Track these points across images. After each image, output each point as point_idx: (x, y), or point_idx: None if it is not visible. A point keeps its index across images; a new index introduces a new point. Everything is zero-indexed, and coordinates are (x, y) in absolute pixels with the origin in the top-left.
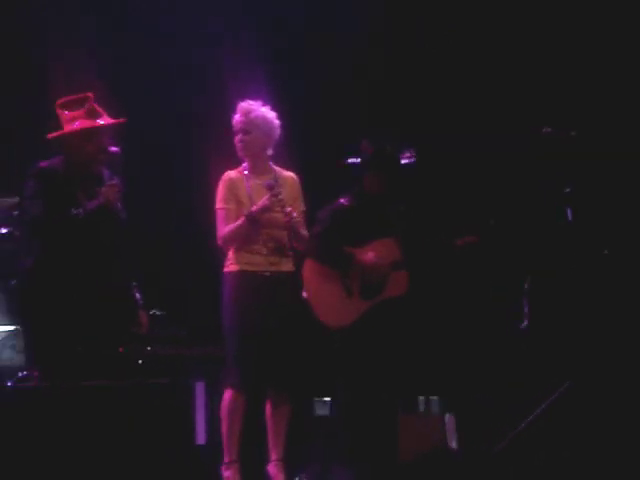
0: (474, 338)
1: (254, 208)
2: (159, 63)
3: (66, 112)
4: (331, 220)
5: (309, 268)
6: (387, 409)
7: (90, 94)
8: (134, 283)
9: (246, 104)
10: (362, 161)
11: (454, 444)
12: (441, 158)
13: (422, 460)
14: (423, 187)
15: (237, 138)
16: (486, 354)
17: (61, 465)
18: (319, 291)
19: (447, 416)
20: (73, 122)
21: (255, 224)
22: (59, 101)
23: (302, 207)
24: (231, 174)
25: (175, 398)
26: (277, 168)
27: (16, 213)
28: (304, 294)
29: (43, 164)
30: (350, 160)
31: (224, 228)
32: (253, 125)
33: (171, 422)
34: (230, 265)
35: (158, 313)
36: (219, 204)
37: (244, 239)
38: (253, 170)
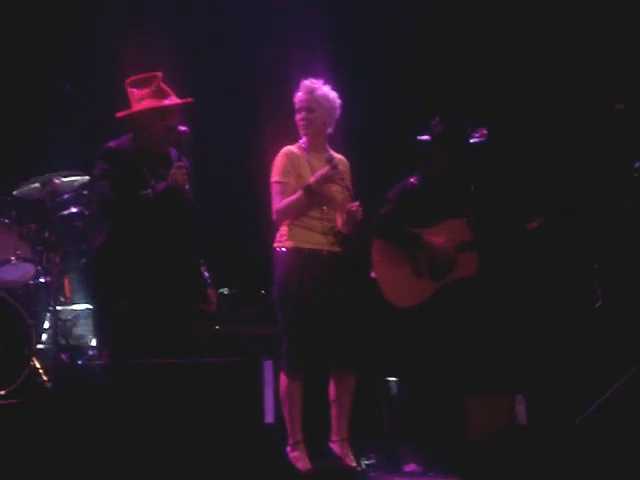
0: (544, 319)
1: (312, 179)
2: (224, 43)
3: (134, 91)
4: (400, 200)
5: (378, 248)
6: (454, 390)
7: (158, 73)
8: (202, 262)
9: (310, 82)
10: (431, 139)
11: (524, 422)
12: (513, 137)
13: (491, 438)
14: (495, 167)
15: (300, 115)
16: (557, 335)
17: (130, 442)
18: (387, 271)
19: (518, 396)
20: (141, 101)
21: (313, 196)
22: (128, 80)
23: (351, 191)
24: (292, 148)
25: (244, 377)
26: (331, 149)
27: (86, 192)
28: (372, 274)
29: (111, 144)
30: (420, 137)
31: (280, 202)
32: (317, 103)
33: (240, 401)
34: (284, 241)
35: (227, 292)
36: (276, 177)
37: (299, 213)
38: (312, 147)
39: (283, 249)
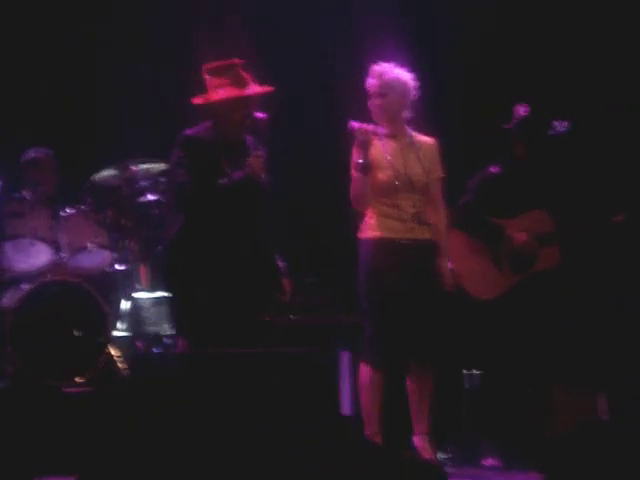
0: (627, 313)
1: (358, 158)
2: (302, 30)
3: (212, 78)
4: (480, 189)
5: (456, 239)
6: (535, 384)
7: (238, 60)
8: (277, 251)
9: (379, 67)
10: (513, 127)
11: (606, 417)
12: (600, 129)
13: (573, 434)
14: (580, 158)
15: (372, 102)
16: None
17: (205, 432)
18: (467, 262)
19: (600, 391)
20: (218, 89)
21: (368, 170)
22: (206, 66)
23: (440, 173)
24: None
25: (321, 367)
26: (414, 132)
27: (163, 180)
28: (449, 265)
29: (189, 132)
30: (506, 125)
31: (352, 185)
32: (388, 87)
33: (316, 392)
34: (367, 231)
35: (309, 280)
36: (351, 168)
37: (364, 195)
38: (390, 133)
39: (365, 238)
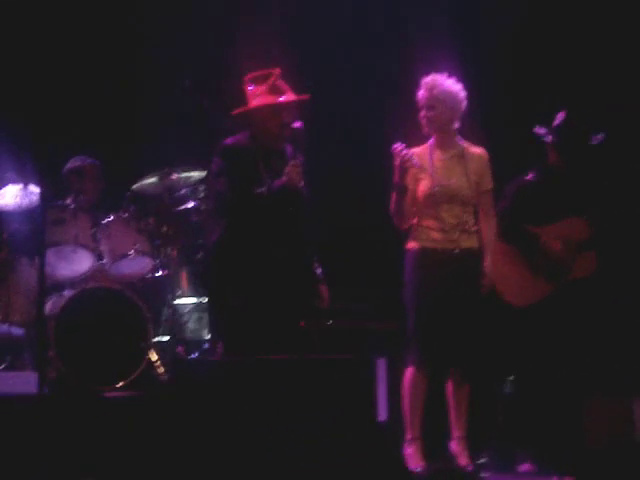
0: None
1: (396, 179)
2: (348, 40)
3: (252, 87)
4: (517, 197)
5: (493, 246)
6: (572, 391)
7: (276, 70)
8: (316, 258)
9: (430, 79)
10: (552, 135)
11: None
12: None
13: (609, 449)
14: (618, 166)
15: (422, 114)
16: None
17: (243, 436)
18: (504, 270)
19: (636, 399)
20: (257, 98)
21: (403, 192)
22: (247, 76)
23: (489, 185)
24: (414, 151)
25: (358, 374)
26: (465, 143)
27: (202, 188)
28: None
29: (228, 141)
30: (538, 129)
31: (392, 204)
32: (437, 100)
33: (354, 398)
34: (410, 242)
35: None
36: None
37: (401, 213)
38: (440, 145)
39: (408, 249)
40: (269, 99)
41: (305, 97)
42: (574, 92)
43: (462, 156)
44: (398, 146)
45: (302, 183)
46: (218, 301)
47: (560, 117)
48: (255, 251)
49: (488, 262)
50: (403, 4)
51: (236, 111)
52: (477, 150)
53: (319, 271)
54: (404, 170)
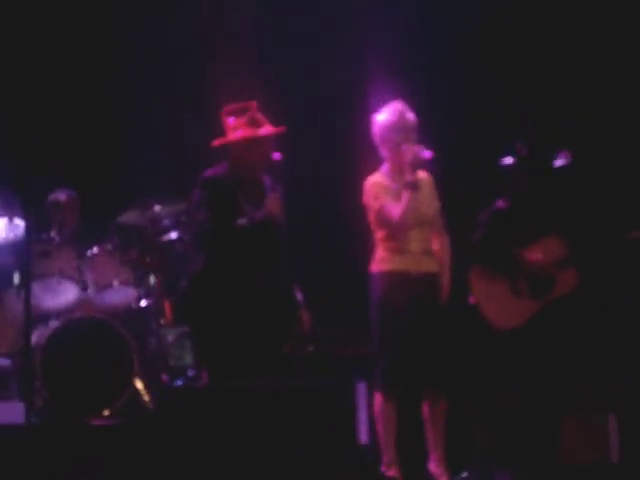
0: None
1: (409, 178)
2: (316, 71)
3: (230, 119)
4: (491, 223)
5: (475, 273)
6: (550, 409)
7: (253, 103)
8: (295, 284)
9: (398, 105)
10: (516, 163)
11: (616, 449)
12: (601, 154)
13: (585, 465)
14: (585, 182)
15: (392, 138)
16: None
17: (225, 463)
18: (487, 294)
19: (610, 415)
20: (236, 130)
21: (417, 188)
22: (225, 108)
23: (438, 205)
24: (377, 179)
25: (338, 399)
26: None
27: (184, 219)
28: (471, 299)
29: (208, 173)
30: (504, 161)
31: (394, 209)
32: (412, 124)
33: (335, 422)
34: (381, 264)
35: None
36: (378, 201)
37: (410, 213)
38: (398, 171)
39: (378, 272)
40: (249, 132)
41: (282, 130)
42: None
43: (421, 183)
44: (405, 145)
45: (281, 214)
46: (202, 328)
47: (520, 147)
48: (236, 279)
49: (446, 280)
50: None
51: (216, 143)
52: (424, 174)
53: (299, 297)
54: (416, 166)
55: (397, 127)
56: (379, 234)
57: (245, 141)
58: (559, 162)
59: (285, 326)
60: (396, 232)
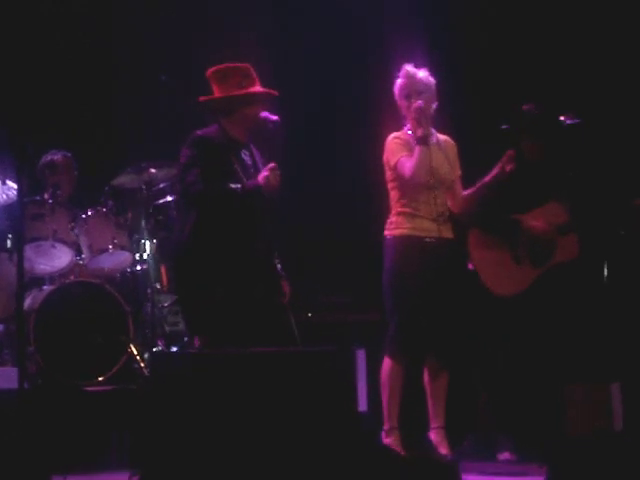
0: None
1: (419, 132)
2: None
3: (220, 78)
4: (493, 187)
5: (475, 238)
6: (552, 378)
7: (245, 64)
8: (276, 254)
9: (408, 67)
10: (520, 127)
11: (619, 415)
12: (609, 116)
13: (589, 436)
14: (592, 146)
15: (405, 102)
16: None
17: (223, 428)
18: (487, 261)
19: (614, 385)
20: (227, 89)
21: (427, 141)
22: (214, 68)
23: (459, 171)
24: (399, 134)
25: (337, 365)
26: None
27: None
28: (470, 265)
29: (199, 132)
30: (505, 126)
31: (408, 162)
32: (424, 85)
33: (333, 389)
34: (394, 229)
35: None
36: (396, 156)
37: (425, 166)
38: (414, 129)
39: (391, 236)
40: (239, 90)
41: (274, 92)
42: (537, 82)
43: (439, 143)
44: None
45: (279, 189)
46: (195, 294)
47: (530, 108)
48: (228, 244)
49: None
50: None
51: (204, 98)
52: (447, 137)
53: (279, 267)
54: (422, 120)
55: (408, 87)
56: (394, 195)
57: (235, 99)
58: (569, 121)
59: (271, 296)
60: (410, 190)
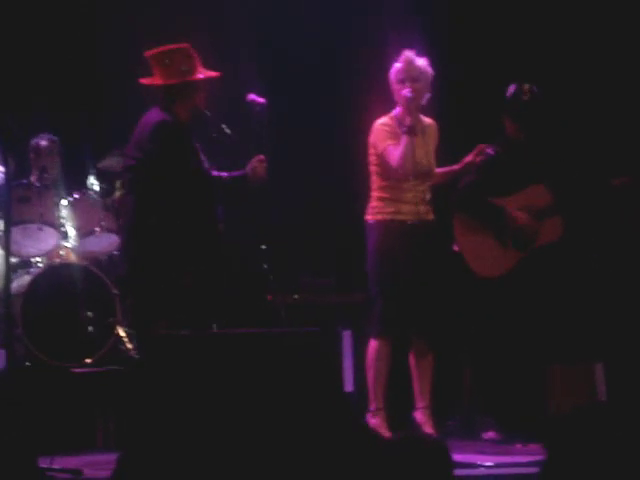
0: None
1: (407, 122)
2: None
3: (167, 62)
4: (479, 171)
5: (460, 221)
6: (535, 358)
7: (186, 44)
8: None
9: (407, 53)
10: (505, 107)
11: (603, 395)
12: (593, 96)
13: (572, 415)
14: (575, 127)
15: (399, 88)
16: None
17: (211, 410)
18: (471, 243)
19: (597, 365)
20: (193, 71)
21: (414, 133)
22: (155, 51)
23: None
24: (386, 120)
25: (323, 346)
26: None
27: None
28: (455, 247)
29: (167, 118)
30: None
31: (395, 152)
32: (420, 72)
33: (320, 370)
34: (376, 214)
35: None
36: (383, 144)
37: (412, 157)
38: (404, 118)
39: (375, 221)
40: (205, 73)
41: (217, 74)
42: (525, 65)
43: (424, 131)
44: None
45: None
46: (161, 279)
47: (512, 88)
48: (197, 229)
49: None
50: None
51: (177, 80)
52: (429, 121)
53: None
54: (411, 111)
55: (403, 72)
56: (376, 181)
57: (208, 82)
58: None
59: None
60: (395, 179)
